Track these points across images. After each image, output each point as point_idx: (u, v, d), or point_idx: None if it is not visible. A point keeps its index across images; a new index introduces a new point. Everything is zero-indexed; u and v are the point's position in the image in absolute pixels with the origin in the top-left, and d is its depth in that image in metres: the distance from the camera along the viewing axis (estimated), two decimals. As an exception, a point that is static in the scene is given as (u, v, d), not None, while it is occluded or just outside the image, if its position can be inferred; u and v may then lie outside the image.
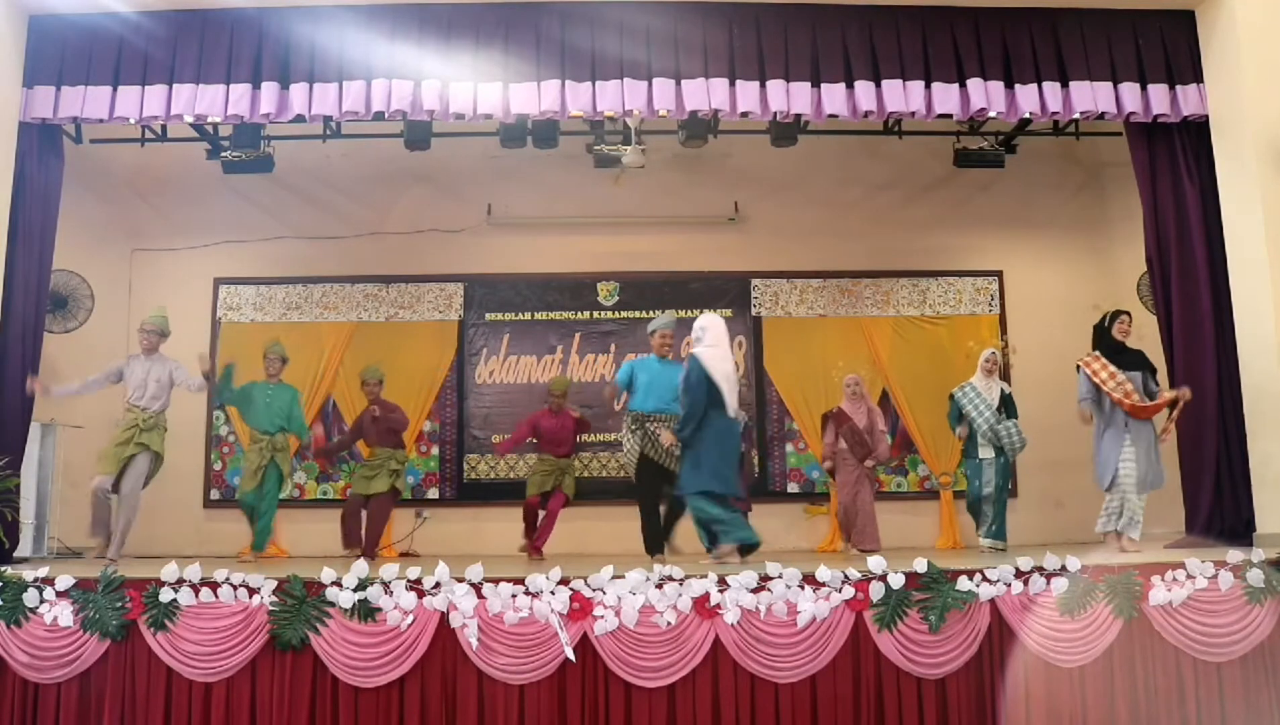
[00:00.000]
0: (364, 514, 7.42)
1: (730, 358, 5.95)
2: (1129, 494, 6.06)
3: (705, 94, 6.30)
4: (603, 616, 4.52)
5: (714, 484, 5.70)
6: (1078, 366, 6.33)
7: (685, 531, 6.21)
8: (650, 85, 6.30)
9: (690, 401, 5.76)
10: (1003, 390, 7.18)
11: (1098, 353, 6.31)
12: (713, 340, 5.86)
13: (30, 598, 4.63)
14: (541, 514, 7.27)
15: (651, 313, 9.10)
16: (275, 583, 4.62)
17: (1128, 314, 6.43)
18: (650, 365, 6.45)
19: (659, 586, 4.60)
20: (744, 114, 6.41)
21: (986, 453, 7.00)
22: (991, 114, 6.55)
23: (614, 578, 4.62)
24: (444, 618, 4.54)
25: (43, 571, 4.74)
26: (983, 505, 6.99)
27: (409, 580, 4.60)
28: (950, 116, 6.58)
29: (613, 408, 7.43)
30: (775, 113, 6.40)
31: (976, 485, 7.02)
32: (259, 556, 6.89)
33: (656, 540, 6.22)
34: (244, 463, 7.05)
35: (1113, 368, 6.20)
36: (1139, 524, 6.05)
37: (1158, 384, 6.33)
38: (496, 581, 4.60)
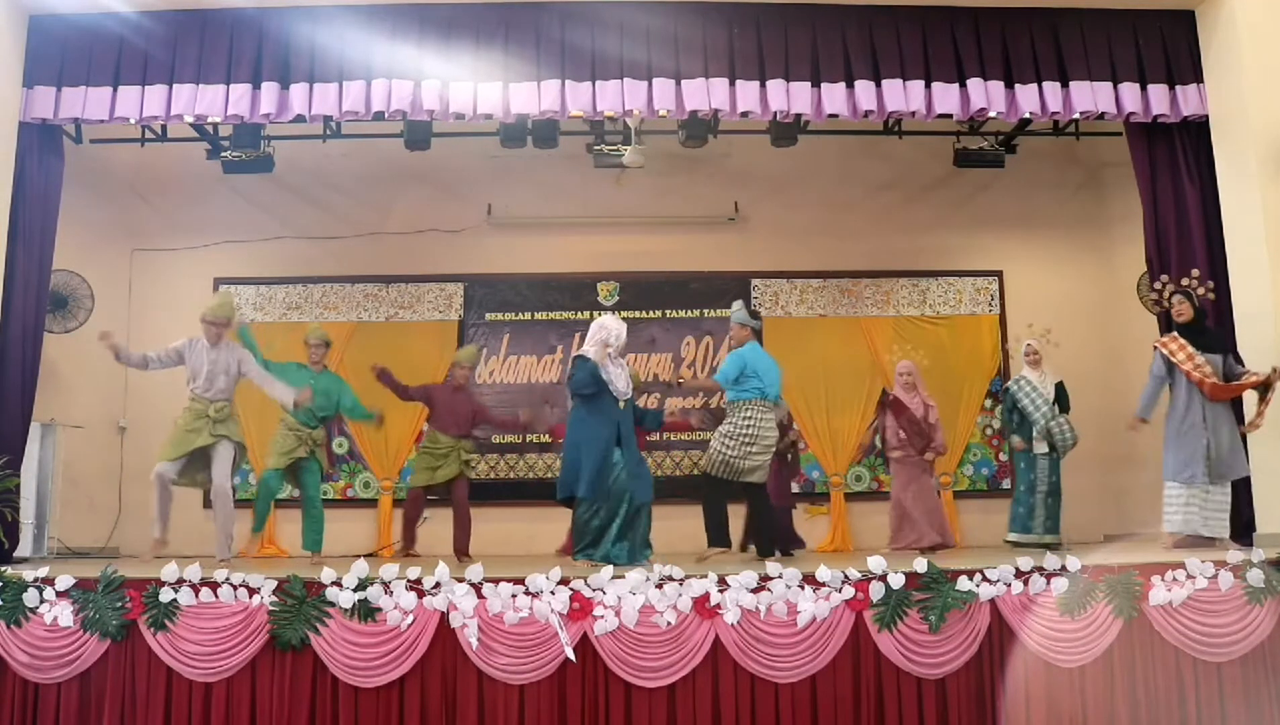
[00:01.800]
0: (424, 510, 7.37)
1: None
2: (1212, 489, 5.89)
3: (705, 94, 6.30)
4: (603, 616, 4.52)
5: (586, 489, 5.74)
6: (1155, 347, 6.15)
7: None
8: (650, 85, 6.30)
9: None
10: (1058, 383, 6.95)
11: (1175, 334, 6.11)
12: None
13: (30, 598, 4.64)
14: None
15: (652, 313, 9.13)
16: (275, 583, 4.62)
17: (1181, 294, 6.18)
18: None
19: (659, 586, 4.60)
20: (744, 114, 6.41)
21: (1040, 447, 6.78)
22: (991, 114, 6.55)
23: (614, 578, 4.62)
24: (444, 618, 4.54)
25: (43, 571, 4.74)
26: (1035, 500, 6.72)
27: (409, 580, 4.60)
28: (950, 116, 6.58)
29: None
30: (775, 112, 6.40)
31: (1031, 478, 6.76)
32: (317, 558, 6.76)
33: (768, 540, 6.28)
34: (274, 442, 6.82)
35: (1191, 349, 5.99)
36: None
37: (1242, 365, 6.09)
38: (496, 581, 4.60)
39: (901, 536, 7.06)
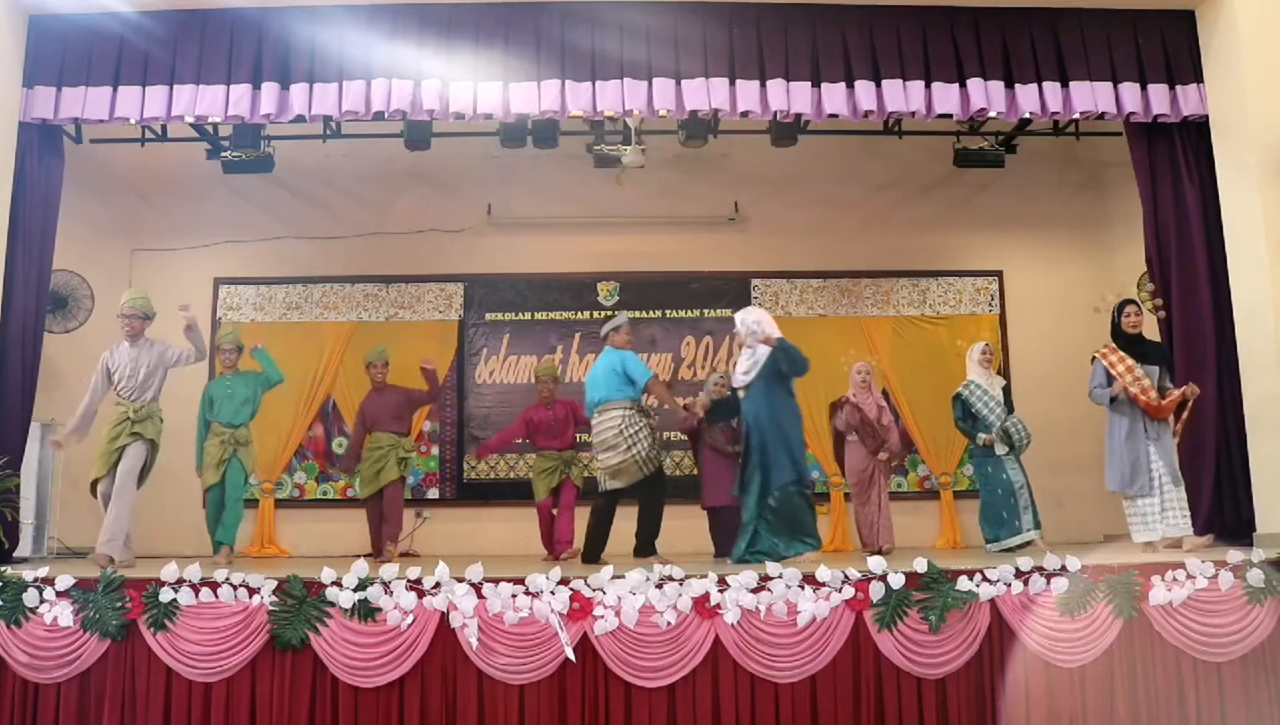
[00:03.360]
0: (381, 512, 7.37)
1: None
2: (1168, 492, 5.92)
3: (705, 94, 6.30)
4: (603, 616, 4.52)
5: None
6: (1093, 357, 6.15)
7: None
8: (650, 85, 6.30)
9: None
10: (1003, 386, 6.97)
11: (1114, 345, 6.12)
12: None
13: (30, 598, 4.64)
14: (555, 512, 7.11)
15: (652, 313, 9.13)
16: (275, 583, 4.62)
17: (1135, 303, 6.22)
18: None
19: (659, 586, 4.60)
20: (744, 114, 6.40)
21: (1001, 448, 6.73)
22: (991, 114, 6.54)
23: (614, 578, 4.62)
24: (444, 618, 4.54)
25: (43, 571, 4.74)
26: (1013, 502, 6.64)
27: (409, 580, 4.60)
28: (950, 116, 6.57)
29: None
30: (775, 112, 6.40)
31: (1004, 479, 6.69)
32: (232, 554, 6.66)
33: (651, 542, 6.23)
34: (205, 456, 6.75)
35: (1130, 361, 6.00)
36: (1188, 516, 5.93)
37: (1172, 382, 6.13)
38: (496, 581, 4.60)
39: (868, 538, 7.02)
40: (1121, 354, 6.05)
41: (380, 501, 7.35)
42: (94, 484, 6.18)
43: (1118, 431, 6.05)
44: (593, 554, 6.17)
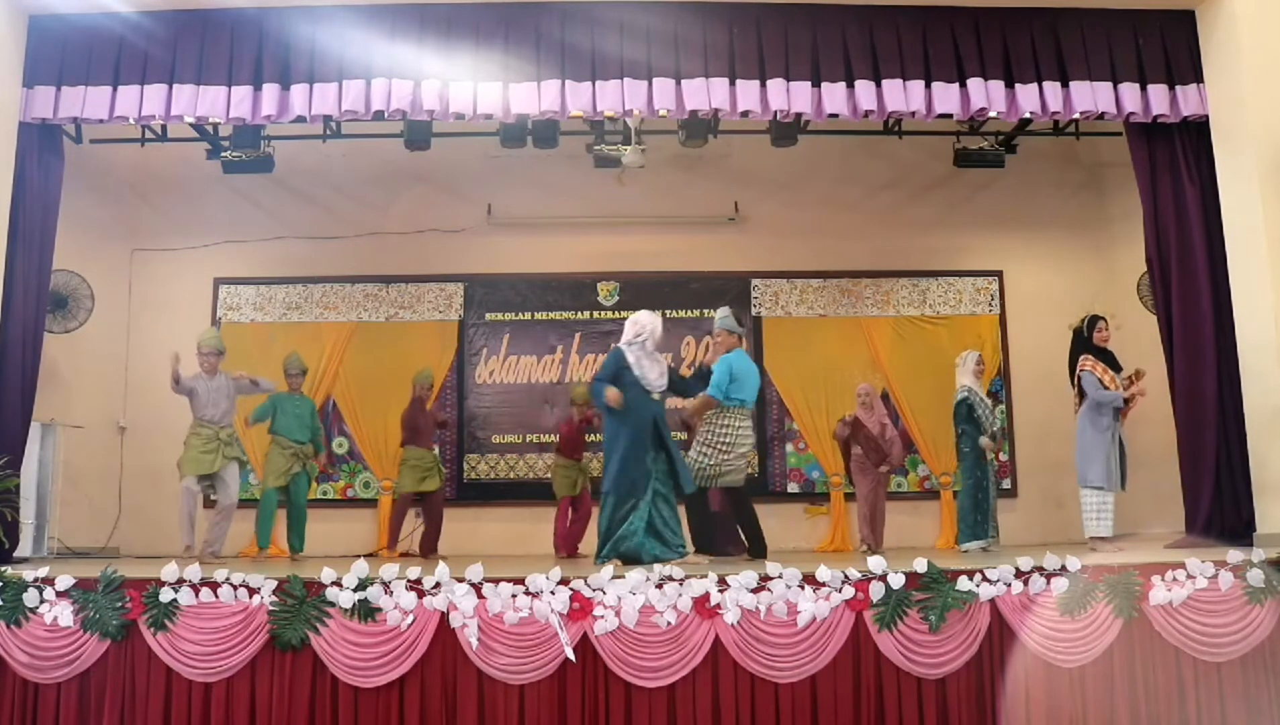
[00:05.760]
0: (409, 513, 8.03)
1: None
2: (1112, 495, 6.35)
3: (705, 93, 6.30)
4: (603, 616, 4.52)
5: (612, 485, 5.78)
6: (1082, 371, 6.44)
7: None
8: (650, 85, 6.30)
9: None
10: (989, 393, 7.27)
11: (1092, 357, 6.47)
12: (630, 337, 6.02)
13: (30, 598, 4.63)
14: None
15: (651, 313, 9.14)
16: (275, 583, 4.62)
17: (1104, 319, 6.60)
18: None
19: (659, 586, 4.60)
20: (744, 113, 6.41)
21: (989, 454, 6.93)
22: (992, 114, 6.54)
23: (614, 578, 4.62)
24: (444, 618, 4.54)
25: (43, 571, 4.73)
26: (989, 505, 6.86)
27: (409, 580, 4.59)
28: (950, 116, 6.58)
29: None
30: (775, 112, 6.40)
31: (988, 483, 6.87)
32: (298, 557, 7.35)
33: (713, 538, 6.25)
34: (270, 463, 7.43)
35: (1110, 371, 6.43)
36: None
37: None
38: (496, 581, 4.60)
39: (868, 538, 7.32)
40: (1104, 365, 6.44)
41: (406, 502, 7.95)
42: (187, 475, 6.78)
43: (1095, 431, 6.39)
44: (756, 551, 6.25)
